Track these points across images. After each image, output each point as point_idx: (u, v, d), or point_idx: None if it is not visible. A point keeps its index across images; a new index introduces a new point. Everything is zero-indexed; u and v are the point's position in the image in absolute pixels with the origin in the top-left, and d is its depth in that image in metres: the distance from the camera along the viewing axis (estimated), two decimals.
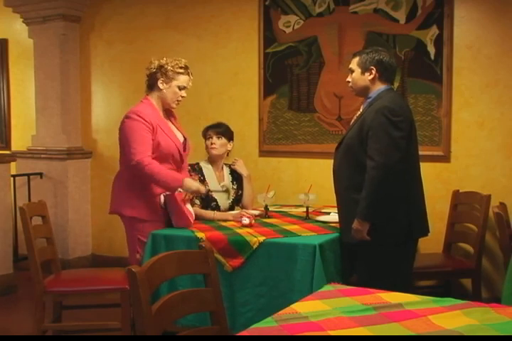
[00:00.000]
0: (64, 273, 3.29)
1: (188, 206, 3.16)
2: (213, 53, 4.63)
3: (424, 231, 2.90)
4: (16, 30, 5.47)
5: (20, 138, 5.55)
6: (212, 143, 3.48)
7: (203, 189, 3.00)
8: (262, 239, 2.81)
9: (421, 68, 3.94)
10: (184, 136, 3.22)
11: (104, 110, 5.16)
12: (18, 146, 5.47)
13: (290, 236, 2.87)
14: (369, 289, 1.96)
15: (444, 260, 3.72)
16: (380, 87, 2.85)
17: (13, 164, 4.66)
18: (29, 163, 5.08)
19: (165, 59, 3.08)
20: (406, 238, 2.80)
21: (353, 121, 2.96)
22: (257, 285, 2.79)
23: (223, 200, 3.50)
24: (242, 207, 3.66)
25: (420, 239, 2.99)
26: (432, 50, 3.92)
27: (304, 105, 4.34)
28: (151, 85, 3.11)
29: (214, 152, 3.50)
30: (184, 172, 3.24)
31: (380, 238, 2.73)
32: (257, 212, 3.47)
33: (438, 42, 3.90)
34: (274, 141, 4.46)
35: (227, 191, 3.50)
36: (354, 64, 2.89)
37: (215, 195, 3.46)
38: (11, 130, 5.69)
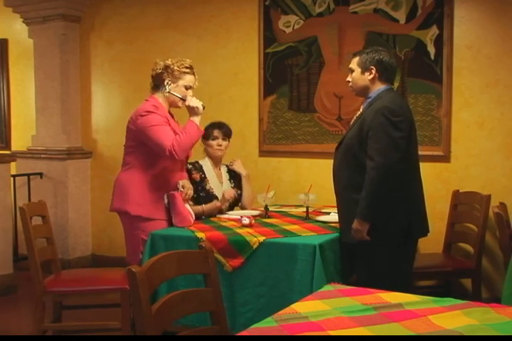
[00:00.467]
0: (64, 273, 3.29)
1: (187, 206, 3.16)
2: (213, 53, 4.63)
3: (424, 231, 2.90)
4: (16, 30, 5.47)
5: (20, 138, 5.55)
6: (219, 145, 3.53)
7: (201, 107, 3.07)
8: (262, 239, 2.82)
9: (421, 68, 3.94)
10: None
11: (104, 110, 5.16)
12: (18, 146, 5.48)
13: (290, 236, 2.87)
14: (369, 289, 1.96)
15: (444, 260, 3.72)
16: (380, 86, 2.85)
17: (13, 164, 4.66)
18: (29, 163, 5.08)
19: (170, 59, 3.11)
20: (406, 238, 2.80)
21: (352, 121, 2.96)
22: (257, 285, 2.79)
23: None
24: (242, 207, 3.67)
25: (420, 239, 2.99)
26: (431, 50, 3.92)
27: (304, 105, 4.34)
28: (157, 86, 3.13)
29: (220, 153, 3.57)
30: (183, 172, 3.25)
31: (379, 238, 2.73)
32: (256, 212, 3.47)
33: (438, 42, 3.90)
34: (274, 141, 4.46)
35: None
36: (354, 64, 2.89)
37: (215, 192, 3.48)
38: (11, 130, 5.69)
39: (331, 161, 3.00)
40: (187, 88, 3.12)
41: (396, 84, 3.84)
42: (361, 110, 2.91)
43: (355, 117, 2.95)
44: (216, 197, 3.48)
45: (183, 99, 3.11)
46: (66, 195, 5.01)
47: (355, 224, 2.73)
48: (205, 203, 3.42)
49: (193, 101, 3.08)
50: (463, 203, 3.85)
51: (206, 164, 3.55)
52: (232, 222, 3.21)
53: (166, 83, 3.08)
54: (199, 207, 3.39)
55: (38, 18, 5.01)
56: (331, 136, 4.24)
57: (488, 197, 3.55)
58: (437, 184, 3.94)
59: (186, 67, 3.10)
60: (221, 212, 3.50)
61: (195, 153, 3.57)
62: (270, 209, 3.51)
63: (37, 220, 3.18)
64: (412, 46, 3.96)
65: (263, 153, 4.52)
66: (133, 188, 3.06)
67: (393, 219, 2.74)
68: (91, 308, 3.34)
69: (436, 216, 3.75)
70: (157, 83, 3.12)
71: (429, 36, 3.92)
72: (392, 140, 2.66)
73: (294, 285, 2.69)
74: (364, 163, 2.71)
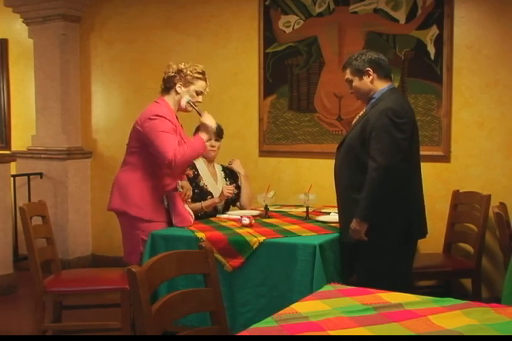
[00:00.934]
0: (64, 273, 3.28)
1: (186, 206, 3.17)
2: (213, 53, 4.63)
3: (423, 232, 2.90)
4: (16, 30, 5.47)
5: (20, 138, 5.55)
6: (212, 146, 3.56)
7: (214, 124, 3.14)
8: (262, 239, 2.82)
9: (421, 68, 3.94)
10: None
11: (104, 110, 5.16)
12: (18, 146, 5.48)
13: (290, 236, 2.87)
14: (369, 289, 1.96)
15: (444, 260, 3.72)
16: (382, 86, 2.84)
17: (13, 164, 4.66)
18: (29, 163, 5.08)
19: (183, 63, 3.12)
20: (405, 239, 2.80)
21: (355, 121, 2.96)
22: (257, 285, 2.79)
23: (218, 193, 3.52)
24: (240, 207, 3.69)
25: (420, 239, 2.99)
26: (431, 50, 3.92)
27: (304, 105, 4.34)
28: (168, 88, 3.13)
29: (213, 154, 3.61)
30: (183, 174, 3.26)
31: (379, 238, 2.73)
32: (256, 212, 3.48)
33: (438, 42, 3.90)
34: (274, 141, 4.46)
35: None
36: (349, 74, 2.89)
37: (210, 189, 3.50)
38: (11, 130, 5.69)
39: (331, 161, 3.00)
40: (198, 93, 3.13)
41: (396, 84, 3.84)
42: (364, 110, 2.91)
43: (357, 117, 2.95)
44: (210, 194, 3.49)
45: (200, 114, 3.12)
46: (66, 195, 5.01)
47: (354, 224, 2.73)
48: (199, 200, 3.43)
49: (209, 120, 3.11)
50: (463, 203, 3.85)
51: (199, 161, 3.58)
52: (232, 222, 3.22)
53: (177, 87, 3.08)
54: (198, 204, 3.40)
55: (38, 18, 5.01)
56: (331, 136, 4.24)
57: (488, 197, 3.55)
58: (437, 184, 3.94)
59: (199, 73, 3.11)
60: (216, 210, 3.52)
61: None
62: (270, 209, 3.51)
63: (37, 220, 3.18)
64: (412, 46, 3.96)
65: (263, 153, 4.52)
66: (133, 189, 3.06)
67: (393, 219, 2.74)
68: (91, 308, 3.34)
69: (436, 216, 3.75)
70: (168, 86, 3.12)
71: (429, 36, 3.92)
72: (395, 141, 2.66)
73: (294, 285, 2.69)
74: (365, 163, 2.71)
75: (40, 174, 5.05)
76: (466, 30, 3.88)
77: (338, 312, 1.72)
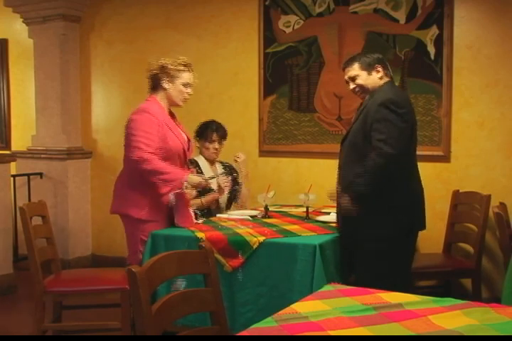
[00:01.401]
0: (64, 273, 3.28)
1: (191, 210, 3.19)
2: (213, 53, 4.63)
3: (423, 224, 2.89)
4: (16, 30, 5.47)
5: (20, 138, 5.55)
6: (215, 148, 3.59)
7: (205, 183, 3.04)
8: (262, 239, 2.82)
9: (421, 68, 3.94)
10: (188, 137, 3.24)
11: (104, 110, 5.16)
12: (18, 146, 5.48)
13: (290, 236, 2.87)
14: (369, 289, 1.96)
15: (444, 260, 3.72)
16: (384, 81, 2.87)
17: (13, 164, 4.66)
18: (29, 163, 5.08)
19: (164, 59, 3.08)
20: (406, 231, 2.80)
21: (354, 116, 2.97)
22: (257, 285, 2.79)
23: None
24: (238, 205, 3.71)
25: (420, 239, 3.00)
26: (431, 50, 3.92)
27: (304, 105, 4.34)
28: (155, 86, 3.11)
29: (215, 156, 3.65)
30: (185, 170, 3.25)
31: (381, 230, 2.72)
32: (256, 212, 3.48)
33: (438, 42, 3.90)
34: (274, 141, 4.46)
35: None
36: (356, 70, 2.88)
37: (212, 186, 3.50)
38: (11, 130, 5.69)
39: (331, 161, 3.00)
40: (185, 86, 3.09)
41: (396, 84, 3.83)
42: (362, 103, 2.91)
43: (357, 112, 2.95)
44: (212, 190, 3.50)
45: (207, 181, 3.12)
46: (66, 195, 5.01)
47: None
48: (200, 194, 3.43)
49: (214, 184, 3.13)
50: (463, 203, 3.85)
51: (201, 160, 3.62)
52: (232, 222, 3.22)
53: (163, 83, 3.06)
54: (198, 200, 3.41)
55: (38, 18, 5.01)
56: (331, 136, 4.24)
57: (488, 197, 3.55)
58: (437, 184, 3.94)
59: (182, 65, 3.07)
60: (219, 208, 3.52)
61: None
62: (270, 209, 3.51)
63: (37, 220, 3.18)
64: (412, 46, 3.96)
65: (263, 153, 4.52)
66: (133, 190, 3.05)
67: (394, 208, 2.74)
68: (91, 308, 3.34)
69: (436, 216, 3.75)
70: (154, 84, 3.10)
71: (429, 36, 3.92)
72: (399, 129, 2.66)
73: (294, 285, 2.69)
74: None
75: (40, 174, 5.05)
76: (466, 30, 3.88)
77: (338, 312, 1.72)
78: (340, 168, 2.93)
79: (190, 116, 4.44)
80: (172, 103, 3.13)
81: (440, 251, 3.84)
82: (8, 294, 4.28)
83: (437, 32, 3.90)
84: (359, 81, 2.88)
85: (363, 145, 2.76)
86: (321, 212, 3.58)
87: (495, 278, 3.81)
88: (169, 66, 3.05)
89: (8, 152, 5.27)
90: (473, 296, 3.41)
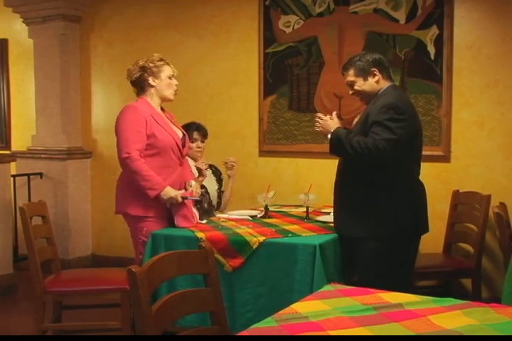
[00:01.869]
0: (64, 273, 3.28)
1: (194, 209, 3.18)
2: (213, 53, 4.63)
3: (426, 228, 2.90)
4: (16, 30, 5.47)
5: (20, 138, 5.55)
6: (198, 147, 3.65)
7: (179, 199, 3.01)
8: (262, 239, 2.81)
9: (421, 68, 3.95)
10: (183, 132, 3.24)
11: (104, 110, 5.16)
12: (18, 146, 5.48)
13: (290, 236, 2.87)
14: (369, 289, 1.96)
15: (444, 260, 3.73)
16: (386, 85, 2.85)
17: (13, 164, 4.66)
18: (29, 163, 5.08)
19: (140, 60, 3.14)
20: (411, 234, 2.80)
21: (356, 119, 2.97)
22: (257, 285, 2.79)
23: (212, 187, 3.64)
24: (221, 208, 3.76)
25: (420, 239, 2.99)
26: (431, 50, 3.92)
27: (304, 105, 4.34)
28: (142, 88, 3.15)
29: (200, 154, 3.68)
30: (186, 170, 3.23)
31: (385, 234, 2.73)
32: (256, 212, 3.48)
33: (438, 42, 3.90)
34: (274, 141, 4.46)
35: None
36: (351, 76, 2.86)
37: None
38: (11, 130, 5.69)
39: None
40: (170, 78, 3.14)
41: (396, 84, 3.83)
42: (366, 107, 2.91)
43: (359, 115, 2.95)
44: (204, 187, 3.57)
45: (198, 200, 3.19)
46: (66, 195, 5.01)
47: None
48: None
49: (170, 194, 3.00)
50: (463, 203, 3.86)
51: (189, 160, 3.60)
52: (232, 222, 3.22)
53: (150, 81, 3.10)
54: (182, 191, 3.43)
55: (38, 18, 5.01)
56: None
57: (488, 197, 3.55)
58: (437, 184, 3.94)
59: (159, 60, 3.13)
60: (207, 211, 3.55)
61: None
62: (270, 209, 3.51)
63: (37, 220, 3.18)
64: (412, 46, 3.96)
65: (263, 153, 4.52)
66: (130, 188, 3.05)
67: (398, 214, 2.74)
68: (91, 308, 3.33)
69: (436, 216, 3.75)
70: (142, 85, 3.14)
71: (429, 36, 3.92)
72: (393, 136, 2.64)
73: (294, 285, 2.69)
74: None
75: (40, 174, 5.05)
76: (466, 30, 3.88)
77: (338, 312, 1.72)
78: (339, 167, 2.93)
79: (190, 116, 4.45)
80: (163, 98, 3.16)
81: (440, 251, 3.84)
82: (8, 294, 4.27)
83: (437, 32, 3.90)
84: (356, 87, 2.87)
85: None
86: (321, 212, 3.58)
87: (495, 278, 3.81)
88: (149, 64, 3.10)
89: (8, 152, 5.27)
90: (473, 296, 3.41)
